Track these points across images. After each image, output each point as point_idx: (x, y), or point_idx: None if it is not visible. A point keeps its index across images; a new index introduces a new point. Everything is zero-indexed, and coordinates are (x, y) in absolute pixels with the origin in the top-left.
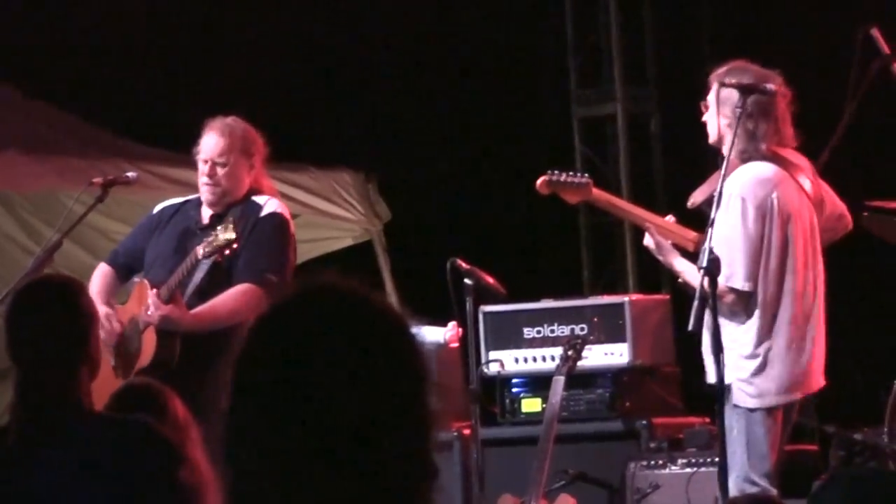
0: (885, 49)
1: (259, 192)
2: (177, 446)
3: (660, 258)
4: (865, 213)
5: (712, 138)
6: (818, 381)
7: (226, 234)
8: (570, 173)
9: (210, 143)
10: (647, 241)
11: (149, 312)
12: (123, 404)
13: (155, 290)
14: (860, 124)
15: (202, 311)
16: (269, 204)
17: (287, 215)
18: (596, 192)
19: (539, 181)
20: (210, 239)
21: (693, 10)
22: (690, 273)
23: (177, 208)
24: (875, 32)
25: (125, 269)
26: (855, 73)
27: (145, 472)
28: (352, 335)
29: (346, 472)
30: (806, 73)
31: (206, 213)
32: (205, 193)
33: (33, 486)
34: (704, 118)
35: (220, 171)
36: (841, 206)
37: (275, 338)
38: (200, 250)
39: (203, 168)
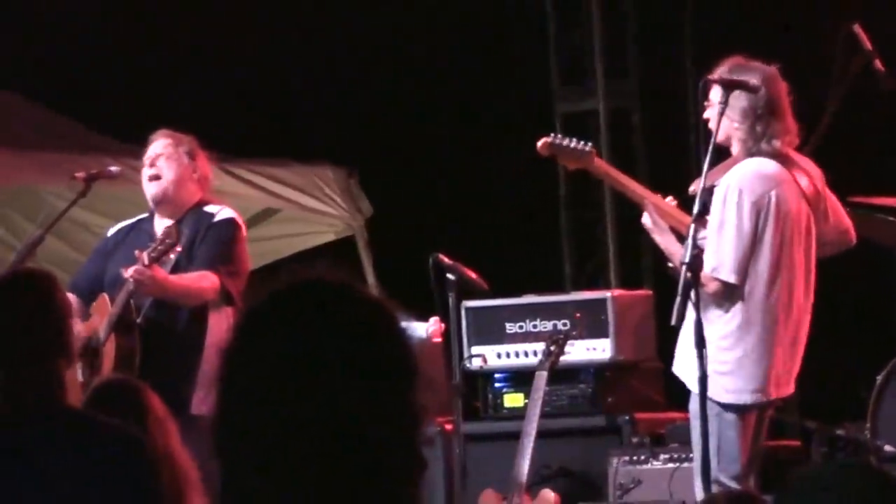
0: (867, 46)
1: (211, 203)
2: (158, 454)
3: (654, 237)
4: (847, 210)
5: (719, 137)
6: (790, 385)
7: (168, 239)
8: (574, 139)
9: (153, 143)
10: (645, 218)
11: (132, 278)
12: (102, 401)
13: (139, 252)
14: (842, 121)
15: (181, 279)
16: (222, 212)
17: (240, 221)
18: (598, 161)
19: (540, 142)
20: (155, 244)
21: (675, 5)
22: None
23: (131, 227)
24: (857, 29)
25: (87, 294)
26: (837, 71)
27: (126, 479)
28: (344, 328)
29: (339, 465)
30: (788, 70)
31: (161, 225)
32: (148, 188)
33: (13, 486)
34: (706, 115)
35: (161, 162)
36: (847, 223)
37: (266, 332)
38: (146, 256)
39: (146, 170)
